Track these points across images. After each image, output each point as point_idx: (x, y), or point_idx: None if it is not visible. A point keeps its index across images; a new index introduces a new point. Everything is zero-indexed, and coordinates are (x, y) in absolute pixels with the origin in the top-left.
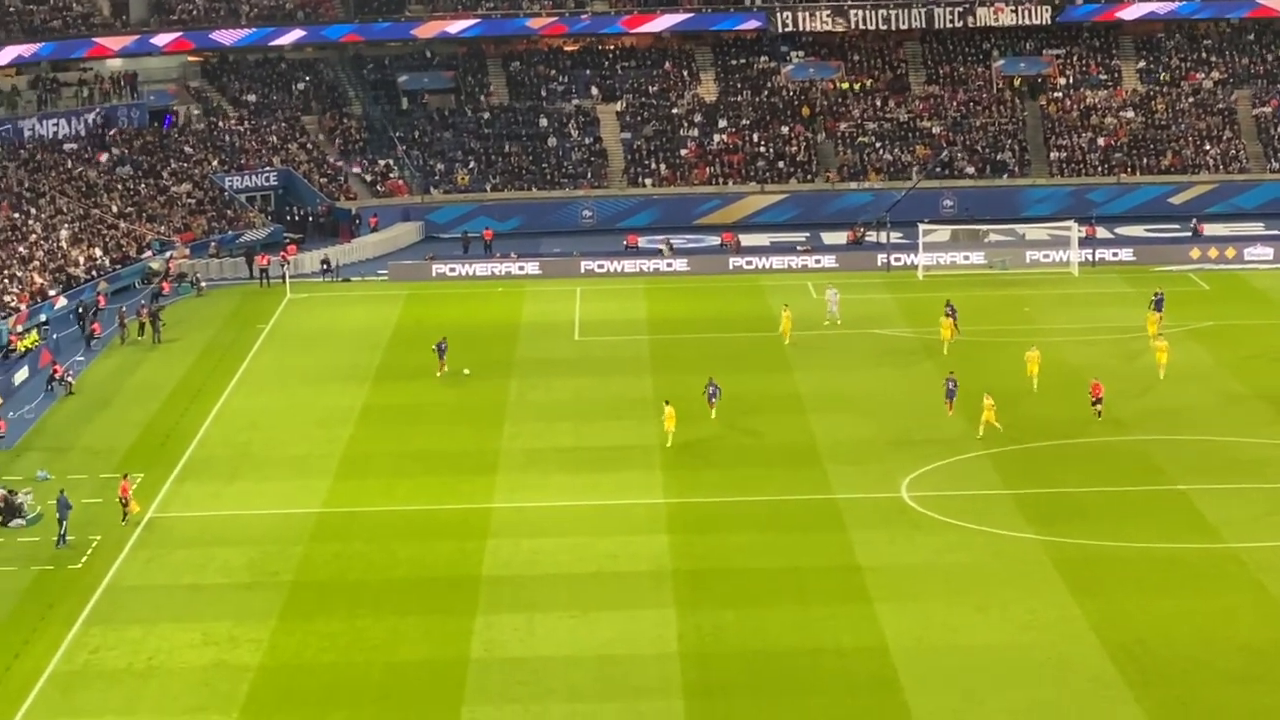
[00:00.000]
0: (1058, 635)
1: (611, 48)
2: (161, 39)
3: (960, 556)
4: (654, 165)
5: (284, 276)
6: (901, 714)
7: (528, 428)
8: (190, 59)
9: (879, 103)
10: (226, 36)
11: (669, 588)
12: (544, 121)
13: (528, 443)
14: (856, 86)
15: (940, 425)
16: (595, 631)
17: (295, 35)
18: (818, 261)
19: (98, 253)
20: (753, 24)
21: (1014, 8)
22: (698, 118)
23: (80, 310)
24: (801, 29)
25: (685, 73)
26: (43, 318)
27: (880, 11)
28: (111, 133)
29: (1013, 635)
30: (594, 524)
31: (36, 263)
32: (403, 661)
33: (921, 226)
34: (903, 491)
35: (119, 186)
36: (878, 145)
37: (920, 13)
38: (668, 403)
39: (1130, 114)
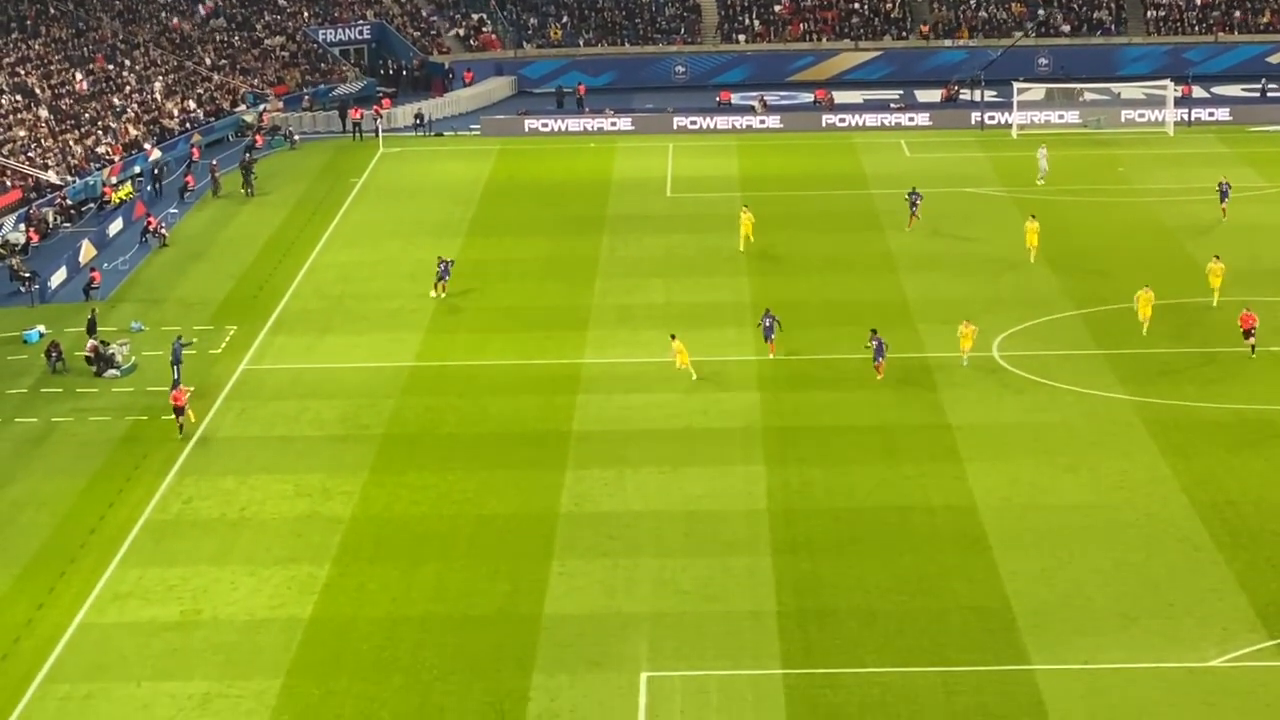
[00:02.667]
0: (1147, 496)
1: None
2: None
3: (1050, 416)
4: (747, 21)
5: (377, 130)
6: (989, 572)
7: (619, 284)
8: None
9: None
10: None
11: (758, 444)
12: None
13: (619, 299)
14: None
15: (1033, 285)
16: (684, 487)
17: None
18: (911, 119)
19: (191, 105)
20: None
21: None
22: None
23: (156, 170)
24: None
25: None
26: (136, 169)
27: None
28: None
29: (1102, 495)
30: (684, 380)
31: (131, 114)
32: (493, 515)
33: (1016, 85)
34: (994, 350)
35: (213, 39)
36: (973, 2)
37: None
38: (674, 337)
39: None
